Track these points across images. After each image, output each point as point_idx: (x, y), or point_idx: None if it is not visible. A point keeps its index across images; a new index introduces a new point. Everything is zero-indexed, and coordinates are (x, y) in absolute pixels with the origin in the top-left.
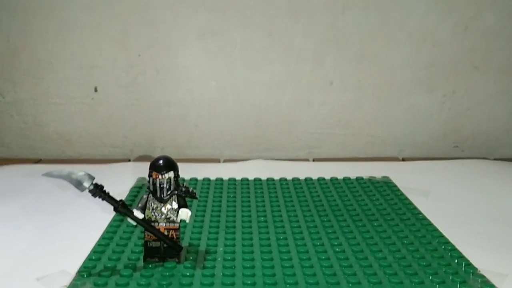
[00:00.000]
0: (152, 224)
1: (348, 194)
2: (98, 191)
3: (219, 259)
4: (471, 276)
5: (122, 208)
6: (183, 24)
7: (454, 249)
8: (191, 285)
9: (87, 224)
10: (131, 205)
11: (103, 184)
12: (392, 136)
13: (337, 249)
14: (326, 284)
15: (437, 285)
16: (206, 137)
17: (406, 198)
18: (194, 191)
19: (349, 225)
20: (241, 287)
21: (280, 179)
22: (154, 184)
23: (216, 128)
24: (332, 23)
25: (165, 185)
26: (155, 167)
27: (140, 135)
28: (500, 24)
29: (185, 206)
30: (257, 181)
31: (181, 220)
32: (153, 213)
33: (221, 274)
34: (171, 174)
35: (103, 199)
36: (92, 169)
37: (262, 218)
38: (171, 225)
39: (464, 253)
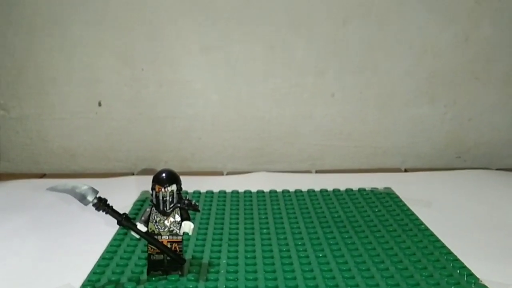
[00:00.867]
0: (155, 237)
1: (350, 205)
2: (102, 204)
3: (222, 271)
4: (473, 286)
5: (125, 221)
6: (186, 38)
7: (456, 259)
8: None
9: (91, 238)
10: (134, 218)
11: (107, 197)
12: (394, 147)
13: (339, 261)
14: None
15: None
16: (209, 150)
17: (409, 209)
18: (197, 204)
19: (352, 237)
20: None
21: (283, 191)
22: (157, 197)
23: (219, 141)
24: (333, 36)
25: (168, 198)
26: (158, 181)
27: (144, 149)
28: (500, 35)
29: (188, 219)
30: (260, 193)
31: (184, 233)
32: (156, 226)
33: (224, 286)
34: (173, 187)
35: (106, 213)
36: (96, 183)
37: (265, 230)
38: (174, 238)
39: (466, 263)
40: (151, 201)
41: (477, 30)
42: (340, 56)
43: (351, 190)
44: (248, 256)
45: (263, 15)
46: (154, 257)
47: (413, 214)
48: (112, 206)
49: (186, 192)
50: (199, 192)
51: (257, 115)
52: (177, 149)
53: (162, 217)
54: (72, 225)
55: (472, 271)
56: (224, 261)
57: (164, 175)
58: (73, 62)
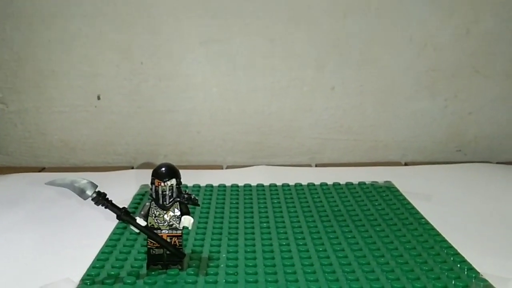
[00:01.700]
0: (155, 231)
1: (350, 199)
2: (101, 199)
3: (222, 265)
4: (473, 280)
5: (125, 215)
6: (185, 32)
7: (456, 253)
8: None
9: (91, 232)
10: (134, 212)
11: (106, 191)
12: (394, 141)
13: (339, 255)
14: None
15: None
16: (208, 143)
17: (409, 203)
18: (196, 198)
19: (352, 230)
20: None
21: (283, 185)
22: (156, 192)
23: (218, 134)
24: (333, 29)
25: (167, 192)
26: (157, 175)
27: (143, 143)
28: (501, 28)
29: (188, 213)
30: (260, 187)
31: (183, 227)
32: (155, 221)
33: (224, 280)
34: (173, 181)
35: (106, 207)
36: (95, 176)
37: (265, 224)
38: (174, 232)
39: (467, 257)
40: (151, 195)
41: (478, 23)
42: (340, 49)
43: (351, 183)
44: (248, 250)
45: (263, 8)
46: (153, 252)
47: (413, 208)
48: (111, 200)
49: (186, 186)
50: (199, 186)
51: (257, 108)
52: (176, 142)
53: (161, 211)
54: (71, 220)
55: (473, 265)
56: (224, 255)
57: (163, 169)
58: (72, 55)
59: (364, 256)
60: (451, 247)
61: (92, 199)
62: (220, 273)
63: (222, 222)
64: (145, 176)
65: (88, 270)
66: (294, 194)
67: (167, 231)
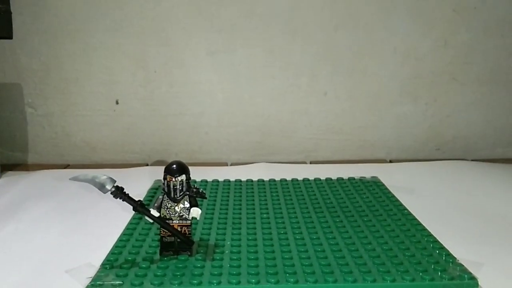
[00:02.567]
0: (167, 221)
1: (341, 192)
2: (119, 192)
3: (226, 252)
4: (450, 265)
5: (140, 207)
6: (194, 44)
7: (435, 241)
8: (202, 275)
9: (110, 222)
10: (148, 204)
11: (123, 186)
12: (380, 141)
13: (331, 242)
14: (322, 273)
15: (420, 273)
16: (215, 143)
17: (393, 196)
18: (204, 191)
19: (342, 221)
20: (246, 277)
21: (281, 180)
22: (168, 186)
23: (224, 135)
24: (326, 41)
25: (178, 187)
26: (169, 171)
27: (157, 142)
28: (476, 40)
29: (196, 205)
30: (260, 182)
31: (192, 218)
32: (167, 212)
33: (228, 265)
34: (183, 177)
35: (123, 200)
36: (114, 173)
37: (265, 215)
38: (184, 222)
39: (445, 245)
40: (163, 189)
41: (455, 36)
42: (332, 59)
43: (342, 179)
44: (250, 238)
45: (263, 24)
46: (166, 239)
47: (397, 200)
48: (128, 194)
49: (194, 181)
50: (206, 181)
51: (258, 112)
52: (186, 142)
53: (173, 204)
54: (92, 211)
55: (450, 251)
56: (228, 242)
57: (174, 166)
58: (94, 65)
59: (353, 243)
60: (430, 235)
61: (111, 193)
62: (225, 259)
63: (226, 213)
64: (158, 172)
65: (107, 255)
66: (291, 188)
67: (177, 221)
